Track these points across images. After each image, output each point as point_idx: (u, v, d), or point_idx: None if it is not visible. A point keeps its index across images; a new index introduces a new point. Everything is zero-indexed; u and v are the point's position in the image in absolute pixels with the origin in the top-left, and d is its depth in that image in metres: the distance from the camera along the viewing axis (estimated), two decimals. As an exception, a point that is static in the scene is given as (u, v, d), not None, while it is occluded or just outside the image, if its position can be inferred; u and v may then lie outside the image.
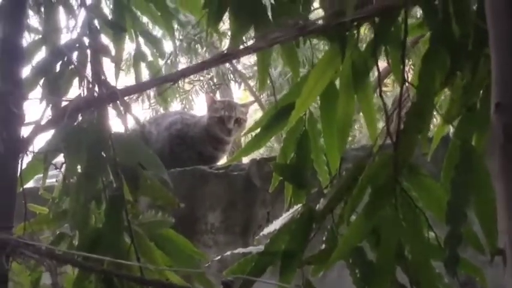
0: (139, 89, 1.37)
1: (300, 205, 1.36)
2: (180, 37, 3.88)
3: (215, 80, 5.27)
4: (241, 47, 1.25)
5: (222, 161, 3.13)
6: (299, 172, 1.39)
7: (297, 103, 1.27)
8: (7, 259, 1.07)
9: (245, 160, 2.83)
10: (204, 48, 4.85)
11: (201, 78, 5.22)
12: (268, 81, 1.41)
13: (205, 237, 2.62)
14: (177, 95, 5.47)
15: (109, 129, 1.27)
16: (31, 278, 1.44)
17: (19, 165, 1.18)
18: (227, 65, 5.23)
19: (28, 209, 1.53)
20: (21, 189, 1.33)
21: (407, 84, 1.20)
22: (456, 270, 1.02)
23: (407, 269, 1.18)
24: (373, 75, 1.37)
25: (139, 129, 3.21)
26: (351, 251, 1.21)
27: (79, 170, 1.30)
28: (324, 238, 1.32)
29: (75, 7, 1.47)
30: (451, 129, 1.26)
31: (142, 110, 5.57)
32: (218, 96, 5.02)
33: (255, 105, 4.55)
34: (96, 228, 1.28)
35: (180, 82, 5.56)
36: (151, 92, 5.51)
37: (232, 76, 5.21)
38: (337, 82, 1.30)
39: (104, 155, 1.27)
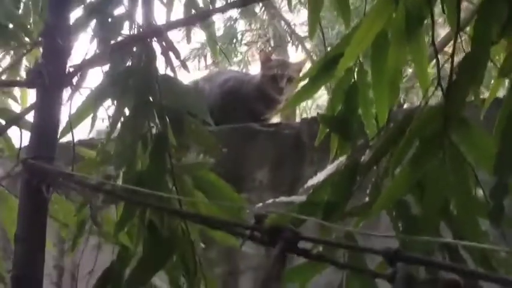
0: (183, 23, 1.36)
1: (344, 157, 1.34)
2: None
3: (272, 43, 5.24)
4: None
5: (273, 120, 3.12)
6: (346, 123, 1.37)
7: (346, 51, 1.23)
8: (47, 189, 1.09)
9: (296, 120, 2.81)
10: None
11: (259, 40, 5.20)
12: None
13: (252, 194, 2.63)
14: (233, 56, 5.48)
15: (156, 71, 1.27)
16: (77, 219, 1.47)
17: (62, 98, 1.18)
18: (285, 27, 5.19)
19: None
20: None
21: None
22: (500, 223, 0.98)
23: (452, 224, 1.15)
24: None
25: (191, 85, 3.23)
26: (394, 204, 1.19)
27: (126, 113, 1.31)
28: (367, 191, 1.30)
29: None
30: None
31: (198, 70, 5.61)
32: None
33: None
34: (139, 170, 1.29)
35: (236, 44, 5.56)
36: (208, 53, 5.55)
37: (289, 38, 5.16)
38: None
39: (151, 98, 1.27)
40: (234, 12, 5.20)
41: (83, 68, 1.19)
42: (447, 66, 1.16)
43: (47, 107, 1.16)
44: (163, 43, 1.25)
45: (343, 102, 1.37)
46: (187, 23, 1.37)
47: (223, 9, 1.26)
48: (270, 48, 5.11)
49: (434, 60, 1.18)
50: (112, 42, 1.20)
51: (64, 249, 3.06)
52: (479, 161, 1.12)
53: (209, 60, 5.56)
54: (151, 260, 1.27)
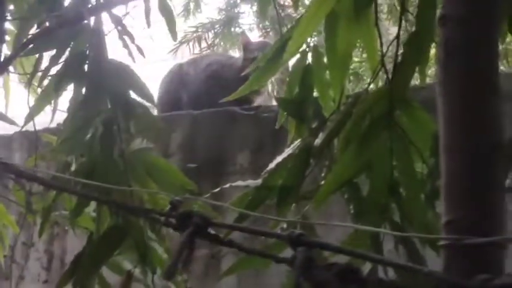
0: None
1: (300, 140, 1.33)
2: None
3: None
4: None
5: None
6: (302, 106, 1.36)
7: (294, 34, 1.22)
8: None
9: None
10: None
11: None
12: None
13: (233, 178, 2.63)
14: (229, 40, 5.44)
15: (106, 56, 1.27)
16: (43, 205, 1.48)
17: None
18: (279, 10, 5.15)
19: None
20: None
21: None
22: (434, 204, 0.98)
23: (399, 203, 1.15)
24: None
25: (176, 69, 3.23)
26: (343, 185, 1.18)
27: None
28: (322, 173, 1.30)
29: None
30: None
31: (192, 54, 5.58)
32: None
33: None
34: (91, 155, 1.29)
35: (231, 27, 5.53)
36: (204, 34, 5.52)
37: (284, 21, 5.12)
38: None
39: (102, 83, 1.27)
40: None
41: (19, 52, 1.19)
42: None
43: None
44: (119, 27, 1.24)
45: (298, 85, 1.37)
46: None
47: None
48: (263, 31, 5.09)
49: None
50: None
51: (54, 234, 3.09)
52: (422, 142, 1.12)
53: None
54: (106, 244, 1.27)
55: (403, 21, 1.16)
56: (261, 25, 5.27)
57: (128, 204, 1.04)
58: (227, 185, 1.41)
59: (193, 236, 0.70)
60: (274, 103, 2.82)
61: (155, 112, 1.15)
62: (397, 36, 1.13)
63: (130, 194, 1.18)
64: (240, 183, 1.40)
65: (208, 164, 2.68)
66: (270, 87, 3.38)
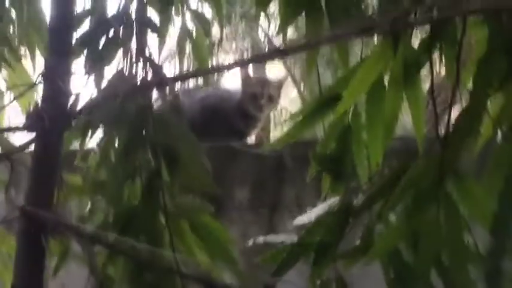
0: (186, 77, 1.35)
1: (336, 198, 1.34)
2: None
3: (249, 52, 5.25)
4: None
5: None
6: (338, 164, 1.37)
7: (345, 95, 1.24)
8: (45, 236, 1.07)
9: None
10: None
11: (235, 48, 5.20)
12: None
13: (232, 214, 2.62)
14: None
15: (151, 108, 1.26)
16: (60, 246, 1.45)
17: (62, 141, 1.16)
18: (262, 35, 5.21)
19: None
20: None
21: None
22: (498, 285, 0.99)
23: (443, 273, 1.16)
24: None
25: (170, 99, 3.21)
26: (388, 251, 1.19)
27: (116, 145, 1.29)
28: (359, 234, 1.30)
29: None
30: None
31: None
32: (251, 68, 4.99)
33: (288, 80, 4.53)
34: (131, 206, 1.27)
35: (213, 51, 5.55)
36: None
37: (266, 48, 5.18)
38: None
39: (144, 133, 1.26)
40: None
41: (83, 111, 1.17)
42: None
43: (46, 151, 1.14)
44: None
45: (336, 142, 1.38)
46: (195, 75, 1.35)
47: (231, 67, 1.23)
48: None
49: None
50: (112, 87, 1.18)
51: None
52: (473, 214, 1.13)
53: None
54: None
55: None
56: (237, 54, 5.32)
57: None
58: (260, 239, 1.40)
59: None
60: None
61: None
62: (450, 106, 1.15)
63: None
64: (273, 238, 1.40)
65: (206, 198, 2.66)
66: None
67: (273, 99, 2.96)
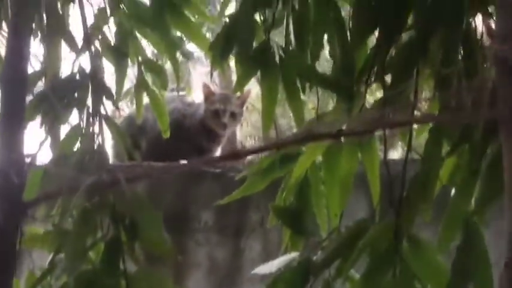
0: (147, 174, 1.35)
1: (296, 252, 1.36)
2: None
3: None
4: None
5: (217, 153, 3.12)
6: (298, 218, 1.39)
7: (301, 159, 1.26)
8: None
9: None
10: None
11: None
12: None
13: (197, 235, 2.63)
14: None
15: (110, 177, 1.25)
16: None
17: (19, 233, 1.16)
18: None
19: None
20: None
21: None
22: None
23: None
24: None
25: (134, 114, 3.19)
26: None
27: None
28: (319, 289, 1.33)
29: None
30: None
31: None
32: (216, 77, 4.96)
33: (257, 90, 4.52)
34: (92, 269, 1.27)
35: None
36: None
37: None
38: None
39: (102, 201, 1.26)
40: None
41: (38, 202, 1.16)
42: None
43: (2, 248, 1.12)
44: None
45: (295, 196, 1.40)
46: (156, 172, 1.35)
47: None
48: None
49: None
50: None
51: None
52: (429, 278, 1.16)
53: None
54: None
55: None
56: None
57: None
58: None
59: None
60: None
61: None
62: (403, 173, 1.18)
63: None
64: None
65: (171, 219, 2.67)
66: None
67: (235, 116, 2.96)
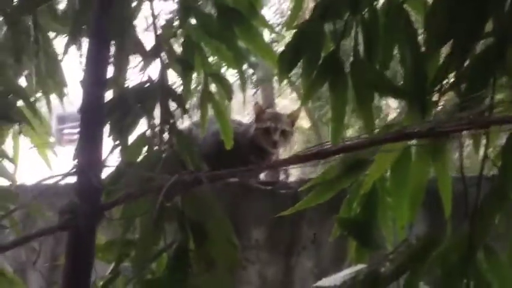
0: (225, 176, 1.36)
1: (361, 265, 1.34)
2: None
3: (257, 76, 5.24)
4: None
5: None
6: (364, 230, 1.38)
7: (370, 173, 1.25)
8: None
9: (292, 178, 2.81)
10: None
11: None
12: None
13: (248, 253, 2.62)
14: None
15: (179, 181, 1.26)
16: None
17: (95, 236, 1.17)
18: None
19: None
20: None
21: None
22: None
23: None
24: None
25: (187, 131, 3.22)
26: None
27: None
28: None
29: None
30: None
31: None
32: (259, 94, 5.00)
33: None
34: (156, 278, 1.28)
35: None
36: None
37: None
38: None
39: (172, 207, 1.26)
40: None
41: (116, 204, 1.18)
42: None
43: (79, 249, 1.14)
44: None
45: (362, 207, 1.38)
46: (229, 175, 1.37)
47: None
48: (256, 83, 5.11)
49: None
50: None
51: None
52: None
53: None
54: None
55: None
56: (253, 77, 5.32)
57: None
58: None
59: None
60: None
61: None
62: (479, 183, 1.16)
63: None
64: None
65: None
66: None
67: (286, 134, 2.95)
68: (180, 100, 1.36)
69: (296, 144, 4.63)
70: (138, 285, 1.30)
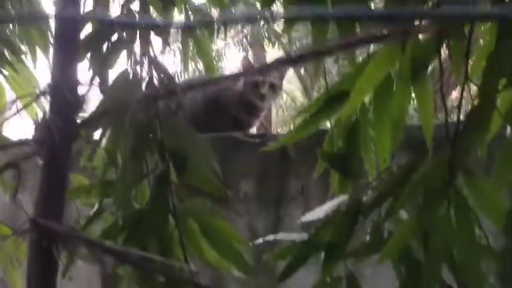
0: (199, 84, 1.34)
1: (344, 195, 1.34)
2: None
3: (249, 38, 5.22)
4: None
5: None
6: (346, 161, 1.37)
7: (353, 93, 1.23)
8: (57, 249, 1.07)
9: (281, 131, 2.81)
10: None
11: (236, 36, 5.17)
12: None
13: (237, 205, 2.62)
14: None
15: (157, 109, 1.25)
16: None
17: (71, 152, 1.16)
18: (262, 23, 5.16)
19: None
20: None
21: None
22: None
23: (455, 269, 1.17)
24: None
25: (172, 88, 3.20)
26: (399, 249, 1.20)
27: (124, 147, 1.28)
28: (368, 231, 1.31)
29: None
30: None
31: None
32: (251, 55, 4.98)
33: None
34: (140, 209, 1.27)
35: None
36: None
37: (266, 35, 5.15)
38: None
39: (151, 136, 1.25)
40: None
41: (92, 121, 1.16)
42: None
43: (55, 164, 1.13)
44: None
45: (343, 139, 1.38)
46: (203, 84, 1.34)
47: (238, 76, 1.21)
48: (247, 44, 5.10)
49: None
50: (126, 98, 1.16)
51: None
52: (483, 210, 1.13)
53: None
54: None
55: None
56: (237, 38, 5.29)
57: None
58: (270, 237, 1.40)
59: None
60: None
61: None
62: (459, 105, 1.15)
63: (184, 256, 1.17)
64: (283, 236, 1.40)
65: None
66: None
67: (275, 88, 2.95)
68: (161, 31, 1.34)
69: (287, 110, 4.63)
70: (123, 219, 1.30)
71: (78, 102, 1.12)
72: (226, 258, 1.21)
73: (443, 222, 1.14)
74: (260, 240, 1.44)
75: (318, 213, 1.36)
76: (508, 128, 1.20)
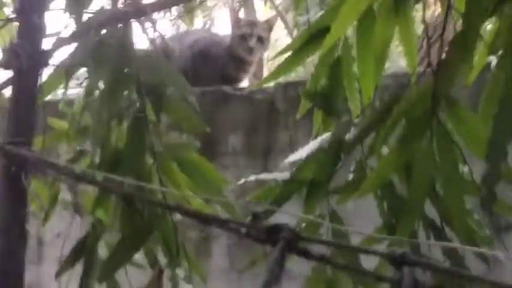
0: (166, 4, 1.30)
1: (328, 133, 1.31)
2: None
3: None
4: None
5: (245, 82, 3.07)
6: (330, 99, 1.34)
7: (333, 27, 1.19)
8: (26, 175, 1.04)
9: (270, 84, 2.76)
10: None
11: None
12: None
13: (225, 159, 2.60)
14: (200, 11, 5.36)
15: (133, 45, 1.21)
16: (49, 193, 1.43)
17: (40, 79, 1.12)
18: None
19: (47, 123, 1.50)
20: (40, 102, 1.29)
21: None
22: (492, 210, 0.97)
23: (438, 203, 1.15)
24: None
25: (161, 45, 3.15)
26: (381, 184, 1.17)
27: (101, 86, 1.25)
28: (351, 168, 1.28)
29: None
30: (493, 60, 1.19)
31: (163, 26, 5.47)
32: (242, 14, 4.90)
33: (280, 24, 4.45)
34: (117, 147, 1.24)
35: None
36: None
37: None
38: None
39: (127, 72, 1.22)
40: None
41: (59, 46, 1.13)
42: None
43: (24, 89, 1.10)
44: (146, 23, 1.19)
45: (327, 77, 1.34)
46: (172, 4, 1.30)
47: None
48: (237, 3, 5.02)
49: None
50: (90, 19, 1.13)
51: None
52: (467, 141, 1.11)
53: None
54: (131, 240, 1.23)
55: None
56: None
57: (204, 214, 0.98)
58: (252, 177, 1.38)
59: (284, 251, 0.68)
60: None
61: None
62: (442, 33, 1.12)
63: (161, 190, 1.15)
64: (265, 176, 1.38)
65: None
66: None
67: (263, 41, 2.90)
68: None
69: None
70: (101, 157, 1.27)
71: (45, 26, 1.07)
72: (205, 193, 1.18)
73: (425, 155, 1.12)
74: (243, 181, 1.42)
75: (302, 153, 1.34)
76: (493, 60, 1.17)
